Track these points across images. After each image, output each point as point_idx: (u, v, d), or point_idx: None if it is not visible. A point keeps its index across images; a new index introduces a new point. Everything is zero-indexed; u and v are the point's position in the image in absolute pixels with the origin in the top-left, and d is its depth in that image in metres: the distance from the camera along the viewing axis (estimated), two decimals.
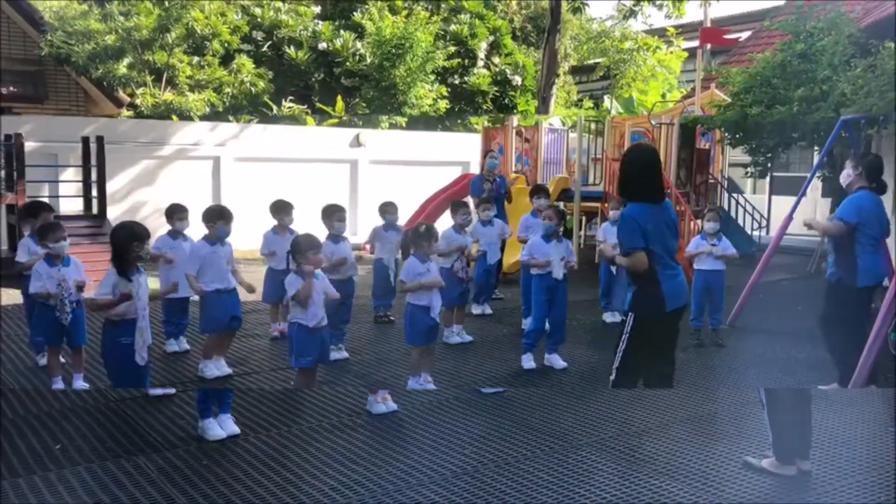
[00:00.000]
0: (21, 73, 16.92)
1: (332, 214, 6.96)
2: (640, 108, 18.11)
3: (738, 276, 9.12)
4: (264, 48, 18.16)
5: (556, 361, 6.75)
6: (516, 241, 8.67)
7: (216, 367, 6.29)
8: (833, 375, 6.07)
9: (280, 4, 18.54)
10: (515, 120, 15.30)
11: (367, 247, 8.61)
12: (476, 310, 8.78)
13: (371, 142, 16.12)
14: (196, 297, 6.56)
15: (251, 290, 6.36)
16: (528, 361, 6.72)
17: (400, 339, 6.73)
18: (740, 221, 15.66)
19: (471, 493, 4.20)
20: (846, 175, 5.93)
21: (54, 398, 5.68)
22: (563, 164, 14.19)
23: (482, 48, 20.32)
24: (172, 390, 5.76)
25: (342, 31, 18.04)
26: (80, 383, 5.84)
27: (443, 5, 20.15)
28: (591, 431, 5.14)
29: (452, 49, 19.23)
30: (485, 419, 5.40)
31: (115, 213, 12.00)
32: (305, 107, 17.61)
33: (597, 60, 23.85)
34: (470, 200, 9.90)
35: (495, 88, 20.31)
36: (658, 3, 16.42)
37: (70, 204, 12.05)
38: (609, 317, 8.51)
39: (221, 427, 5.02)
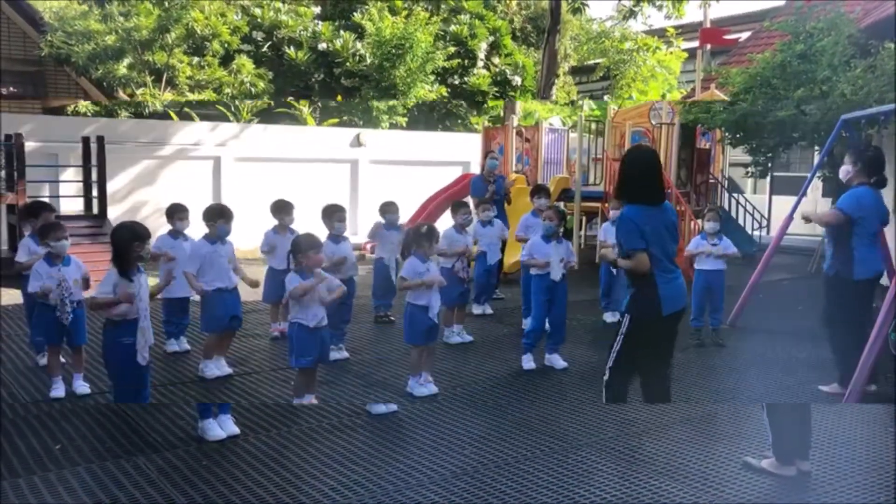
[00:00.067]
0: (21, 73, 16.91)
1: (333, 214, 6.96)
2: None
3: (739, 276, 9.12)
4: (264, 48, 18.16)
5: (557, 361, 6.76)
6: (517, 242, 8.67)
7: (216, 367, 6.30)
8: (834, 376, 6.07)
9: (280, 5, 18.55)
10: (516, 120, 15.29)
11: (368, 246, 8.61)
12: (477, 310, 8.78)
13: (371, 142, 16.12)
14: (196, 297, 6.57)
15: (255, 284, 6.40)
16: (528, 362, 6.72)
17: (400, 339, 6.73)
18: (741, 221, 15.66)
19: (471, 493, 4.20)
20: (845, 171, 5.93)
21: (55, 398, 5.69)
22: (563, 164, 14.19)
23: (482, 48, 20.33)
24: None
25: (342, 32, 18.05)
26: (80, 383, 5.83)
27: (442, 6, 20.15)
28: (592, 432, 5.14)
29: (452, 49, 19.24)
30: (484, 419, 5.40)
31: (115, 213, 12.00)
32: (308, 107, 17.64)
33: (597, 61, 23.84)
34: (470, 200, 9.90)
35: (495, 89, 20.31)
36: (658, 3, 16.41)
37: (70, 204, 12.05)
38: (609, 317, 8.51)
39: (221, 427, 5.01)
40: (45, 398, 5.69)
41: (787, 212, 8.12)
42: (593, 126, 14.20)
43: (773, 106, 10.34)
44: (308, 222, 7.36)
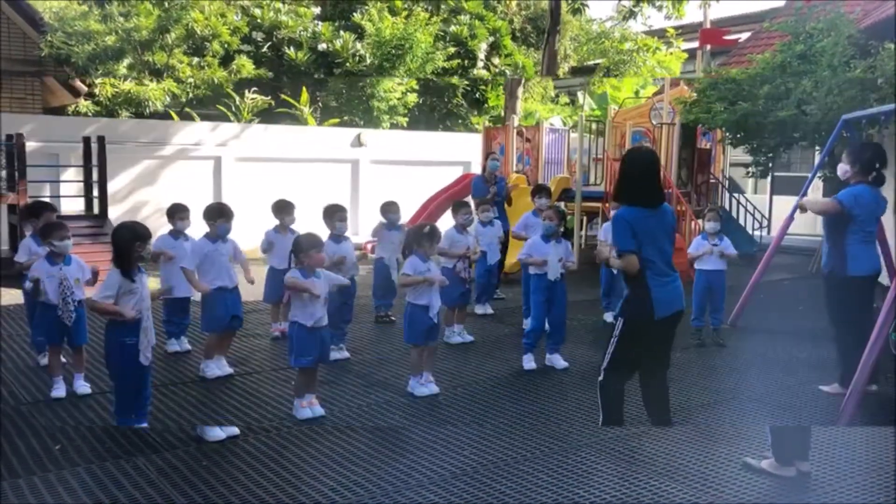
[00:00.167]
0: (21, 73, 16.87)
1: (334, 214, 6.97)
2: (612, 103, 18.15)
3: (740, 276, 9.13)
4: (264, 49, 18.15)
5: (557, 362, 6.76)
6: (518, 242, 8.67)
7: (217, 367, 6.31)
8: (834, 376, 6.07)
9: (280, 5, 18.54)
10: (516, 120, 15.30)
11: (369, 246, 8.63)
12: (478, 310, 8.79)
13: (372, 142, 16.13)
14: (197, 297, 6.58)
15: (250, 281, 6.45)
16: (528, 362, 6.72)
17: (401, 338, 6.73)
18: (741, 221, 15.65)
19: (470, 493, 4.20)
20: (843, 170, 5.95)
21: (56, 398, 5.69)
22: (564, 164, 14.19)
23: (482, 49, 20.32)
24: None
25: (342, 32, 18.05)
26: (81, 383, 5.84)
27: (442, 6, 20.15)
28: (592, 432, 5.13)
29: (452, 50, 19.23)
30: (485, 419, 5.40)
31: (116, 213, 12.02)
32: (269, 98, 17.59)
33: (597, 61, 23.84)
34: (471, 200, 9.91)
35: (465, 83, 20.32)
36: (658, 4, 16.40)
37: (71, 204, 12.06)
38: (610, 317, 8.50)
39: (221, 429, 5.02)
40: (46, 398, 5.69)
41: (787, 212, 8.11)
42: (594, 126, 14.19)
43: (774, 106, 10.35)
44: (308, 222, 7.37)
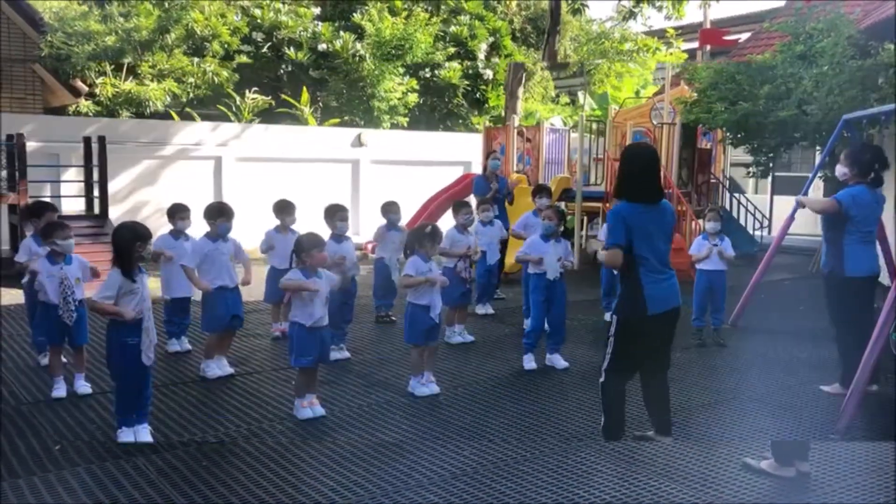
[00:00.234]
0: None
1: (335, 214, 6.98)
2: (612, 103, 18.18)
3: (740, 276, 9.12)
4: (264, 49, 18.14)
5: (558, 361, 6.75)
6: (518, 241, 8.67)
7: (218, 367, 6.32)
8: (835, 376, 6.07)
9: (280, 6, 18.52)
10: (517, 120, 15.30)
11: (370, 246, 8.63)
12: (479, 310, 8.79)
13: (373, 141, 16.13)
14: (197, 297, 6.59)
15: (246, 282, 6.47)
16: (529, 362, 6.72)
17: (402, 338, 6.73)
18: (742, 221, 15.65)
19: (470, 493, 4.20)
20: (841, 172, 5.96)
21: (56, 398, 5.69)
22: (564, 164, 14.18)
23: (482, 49, 20.32)
24: None
25: (342, 33, 18.04)
26: (81, 383, 5.84)
27: (442, 7, 20.14)
28: (592, 432, 5.12)
29: (452, 50, 19.22)
30: (485, 420, 5.40)
31: (116, 213, 12.03)
32: (270, 98, 17.59)
33: (598, 61, 23.83)
34: (471, 200, 9.93)
35: (466, 83, 20.31)
36: (658, 4, 16.41)
37: (72, 204, 12.06)
38: (610, 317, 8.50)
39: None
40: (47, 398, 5.69)
41: (788, 212, 8.12)
42: (594, 126, 14.19)
43: (775, 106, 10.36)
44: (309, 222, 7.37)
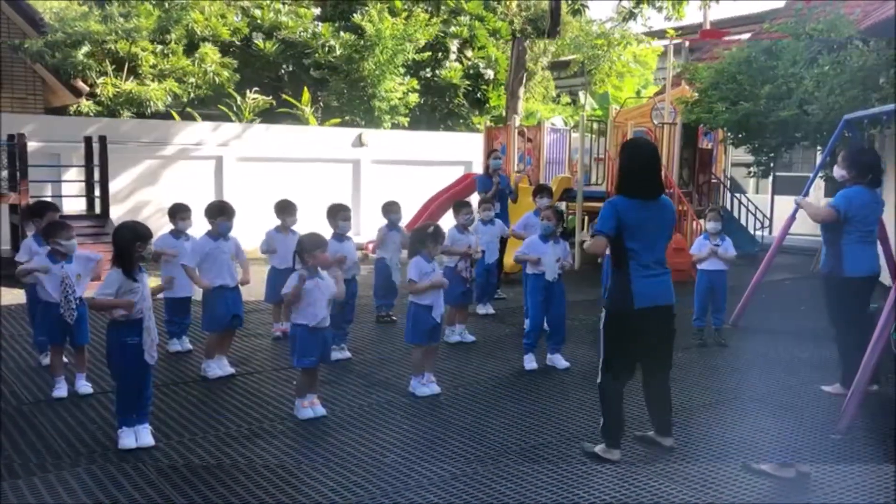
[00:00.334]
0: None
1: (337, 214, 6.99)
2: (613, 103, 18.18)
3: (741, 276, 9.12)
4: (232, 38, 18.08)
5: (559, 361, 6.75)
6: (518, 241, 8.67)
7: (219, 367, 6.32)
8: (836, 376, 6.07)
9: (280, 6, 18.51)
10: (517, 120, 15.31)
11: (370, 246, 8.63)
12: (480, 310, 8.79)
13: (373, 141, 16.13)
14: (198, 297, 6.59)
15: (245, 282, 6.48)
16: (529, 362, 6.72)
17: (402, 338, 6.73)
18: (743, 221, 15.64)
19: (470, 494, 4.19)
20: (840, 174, 5.97)
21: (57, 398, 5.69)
22: (565, 164, 14.19)
23: (454, 43, 20.31)
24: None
25: (341, 33, 18.05)
26: (82, 383, 5.84)
27: (443, 7, 20.12)
28: (593, 432, 5.11)
29: (423, 42, 19.20)
30: (485, 420, 5.40)
31: (117, 213, 12.04)
32: (270, 98, 17.58)
33: (570, 57, 23.86)
34: (472, 200, 9.94)
35: (467, 82, 20.30)
36: (658, 5, 16.38)
37: (73, 204, 12.07)
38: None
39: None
40: (48, 398, 5.69)
41: (789, 212, 8.11)
42: (595, 126, 14.19)
43: (776, 106, 10.35)
44: (310, 222, 7.37)
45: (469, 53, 20.87)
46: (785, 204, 14.46)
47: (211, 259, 6.28)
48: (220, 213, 6.37)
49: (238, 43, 17.84)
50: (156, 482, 4.29)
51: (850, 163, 5.86)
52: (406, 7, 19.46)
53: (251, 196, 13.40)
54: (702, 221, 11.32)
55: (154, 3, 15.82)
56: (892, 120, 7.34)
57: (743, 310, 8.37)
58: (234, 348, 6.86)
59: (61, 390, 5.74)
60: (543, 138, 13.84)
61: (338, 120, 17.66)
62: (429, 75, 19.88)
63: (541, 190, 8.93)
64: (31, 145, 11.32)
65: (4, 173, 10.94)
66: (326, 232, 6.08)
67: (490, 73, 20.92)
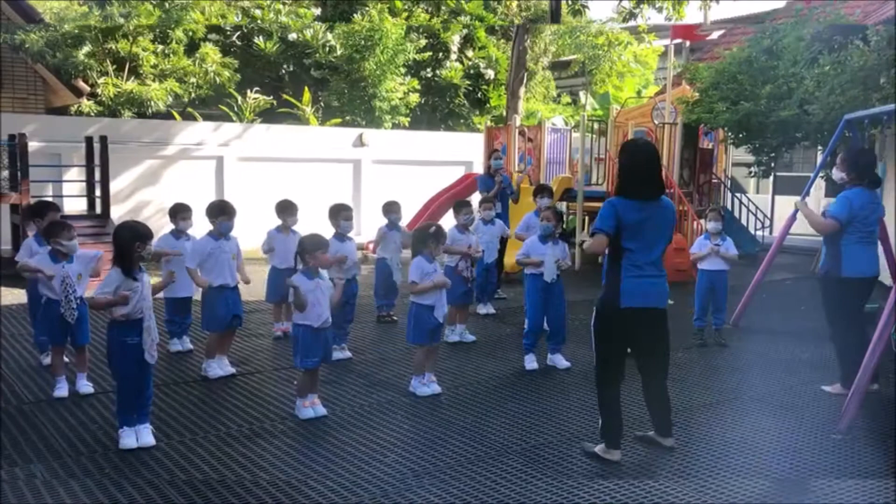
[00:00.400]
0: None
1: (339, 213, 7.00)
2: (614, 103, 18.18)
3: (742, 276, 9.12)
4: (233, 38, 18.07)
5: (560, 361, 6.75)
6: (517, 240, 8.67)
7: (219, 367, 6.32)
8: (837, 376, 6.07)
9: (280, 6, 18.51)
10: (518, 120, 15.31)
11: (371, 246, 8.64)
12: (481, 310, 8.79)
13: (374, 141, 16.13)
14: (198, 297, 6.59)
15: (246, 281, 6.48)
16: (530, 362, 6.72)
17: (403, 338, 6.72)
18: (743, 221, 15.64)
19: (471, 494, 4.19)
20: (839, 176, 5.98)
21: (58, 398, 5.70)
22: (566, 164, 14.19)
23: (455, 41, 20.31)
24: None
25: (315, 23, 18.03)
26: (83, 383, 5.84)
27: (443, 7, 20.13)
28: (594, 433, 5.11)
29: (424, 42, 19.16)
30: (485, 420, 5.40)
31: (118, 213, 12.04)
32: (271, 98, 17.57)
33: (571, 57, 23.86)
34: (473, 200, 9.95)
35: (467, 82, 20.28)
36: (658, 5, 16.38)
37: (74, 204, 12.07)
38: None
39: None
40: (49, 398, 5.69)
41: (789, 212, 8.11)
42: (596, 126, 14.20)
43: (776, 105, 10.35)
44: (310, 222, 7.38)
45: (469, 53, 20.88)
46: (786, 204, 14.47)
47: (212, 259, 6.29)
48: (221, 212, 6.38)
49: (239, 43, 17.85)
50: (156, 482, 4.29)
51: (850, 165, 5.87)
52: (406, 7, 19.46)
53: (252, 196, 13.39)
54: (702, 221, 11.33)
55: (154, 3, 15.81)
56: (893, 120, 7.34)
57: (743, 310, 8.37)
58: (234, 348, 6.87)
59: (62, 390, 5.74)
60: (544, 138, 13.84)
61: (338, 120, 17.66)
62: (429, 75, 19.87)
63: (541, 190, 8.94)
64: (32, 145, 11.33)
65: (5, 173, 10.93)
66: (327, 232, 6.08)
67: (490, 73, 20.92)
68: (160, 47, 16.49)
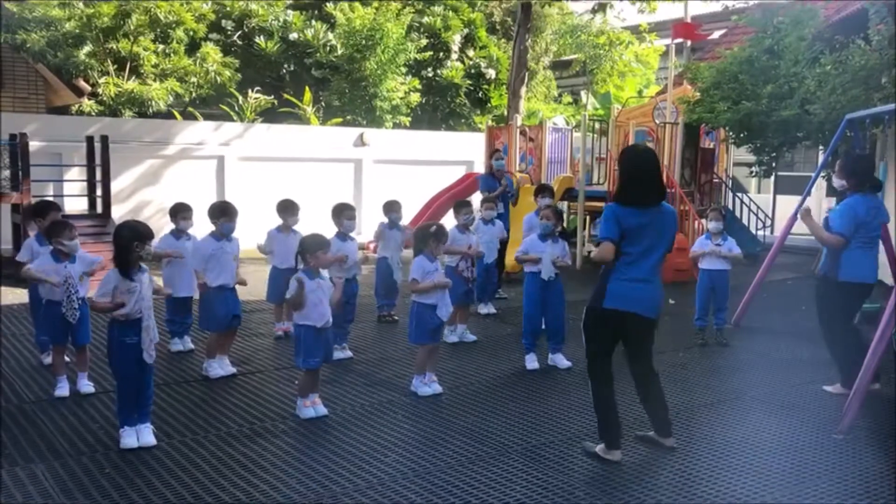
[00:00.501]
0: None
1: (342, 213, 7.01)
2: (615, 102, 18.18)
3: (743, 276, 9.11)
4: (234, 38, 18.03)
5: (560, 361, 6.75)
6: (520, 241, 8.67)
7: (220, 367, 6.32)
8: (838, 375, 6.06)
9: None
10: (519, 119, 15.31)
11: (372, 245, 8.63)
12: (481, 310, 8.79)
13: (375, 141, 16.13)
14: (196, 296, 6.59)
15: (243, 283, 6.46)
16: (531, 362, 6.71)
17: (403, 338, 6.72)
18: (745, 221, 15.62)
19: (472, 494, 4.19)
20: (839, 184, 6.00)
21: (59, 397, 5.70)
22: (567, 164, 14.18)
23: (456, 41, 20.29)
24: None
25: (313, 22, 17.97)
26: (84, 382, 5.84)
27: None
28: (595, 433, 5.10)
29: (425, 41, 19.11)
30: (486, 419, 5.40)
31: (119, 213, 12.04)
32: (272, 97, 17.55)
33: (572, 56, 23.87)
34: (473, 200, 9.96)
35: (468, 82, 20.26)
36: None
37: (75, 203, 12.08)
38: None
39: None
40: (50, 397, 5.69)
41: (791, 211, 8.11)
42: (597, 125, 14.19)
43: (777, 105, 10.36)
44: (311, 221, 7.37)
45: (471, 53, 20.87)
46: (787, 203, 14.46)
47: (214, 260, 6.29)
48: (222, 213, 6.37)
49: (239, 43, 17.82)
50: (157, 482, 4.29)
51: (849, 172, 5.88)
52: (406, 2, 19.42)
53: (253, 196, 13.40)
54: (704, 221, 11.32)
55: None
56: (894, 119, 7.34)
57: (745, 309, 8.37)
58: (235, 348, 6.87)
59: (63, 389, 5.74)
60: (545, 138, 13.84)
61: (339, 119, 17.66)
62: (430, 75, 19.86)
63: (542, 189, 8.94)
64: (33, 145, 11.33)
65: (6, 173, 10.93)
66: (328, 231, 6.08)
67: (492, 73, 20.90)
68: (161, 47, 16.46)
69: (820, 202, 14.50)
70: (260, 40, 18.01)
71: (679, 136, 12.68)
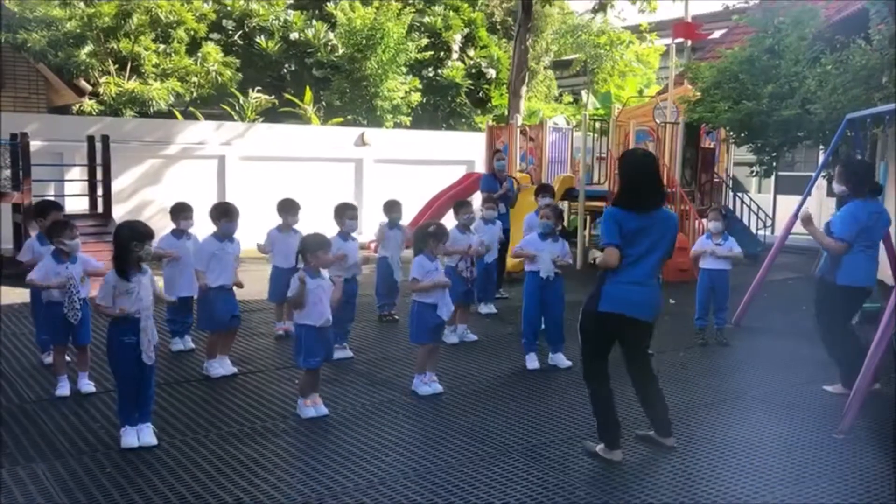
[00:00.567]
0: None
1: (344, 212, 7.02)
2: (616, 102, 18.18)
3: (743, 276, 9.11)
4: (234, 38, 18.03)
5: (561, 361, 6.75)
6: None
7: (221, 367, 6.33)
8: (838, 375, 6.07)
9: None
10: (520, 119, 15.31)
11: (373, 245, 8.64)
12: (482, 309, 8.79)
13: (376, 141, 16.14)
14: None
15: (239, 285, 6.46)
16: (532, 362, 6.71)
17: (404, 337, 6.72)
18: (745, 221, 15.62)
19: (472, 494, 4.19)
20: (839, 189, 6.00)
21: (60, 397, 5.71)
22: (567, 163, 14.18)
23: (457, 40, 20.30)
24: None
25: (314, 22, 17.96)
26: (85, 382, 5.85)
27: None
28: (595, 432, 5.10)
29: (426, 41, 19.11)
30: (487, 419, 5.40)
31: (120, 212, 12.04)
32: (273, 97, 17.55)
33: (573, 56, 23.88)
34: (473, 200, 9.96)
35: (469, 82, 20.25)
36: None
37: (75, 203, 12.08)
38: None
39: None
40: (51, 397, 5.70)
41: (791, 211, 8.11)
42: (597, 125, 14.19)
43: (778, 105, 10.36)
44: (312, 221, 7.37)
45: (471, 52, 20.88)
46: (787, 203, 14.46)
47: (216, 260, 6.29)
48: (223, 214, 6.37)
49: (240, 42, 17.83)
50: (158, 481, 4.29)
51: (848, 178, 5.87)
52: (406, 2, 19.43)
53: (254, 195, 13.40)
54: (704, 221, 11.31)
55: None
56: (895, 119, 7.34)
57: (745, 309, 8.37)
58: (236, 347, 6.87)
59: (64, 389, 5.75)
60: (546, 137, 13.84)
61: (340, 119, 17.67)
62: (431, 74, 19.86)
63: (543, 189, 8.95)
64: (34, 144, 11.33)
65: (7, 172, 10.94)
66: (329, 231, 6.08)
67: (492, 73, 20.90)
68: (162, 47, 16.46)
69: (820, 202, 14.49)
70: (261, 40, 18.02)
71: (680, 135, 12.67)
